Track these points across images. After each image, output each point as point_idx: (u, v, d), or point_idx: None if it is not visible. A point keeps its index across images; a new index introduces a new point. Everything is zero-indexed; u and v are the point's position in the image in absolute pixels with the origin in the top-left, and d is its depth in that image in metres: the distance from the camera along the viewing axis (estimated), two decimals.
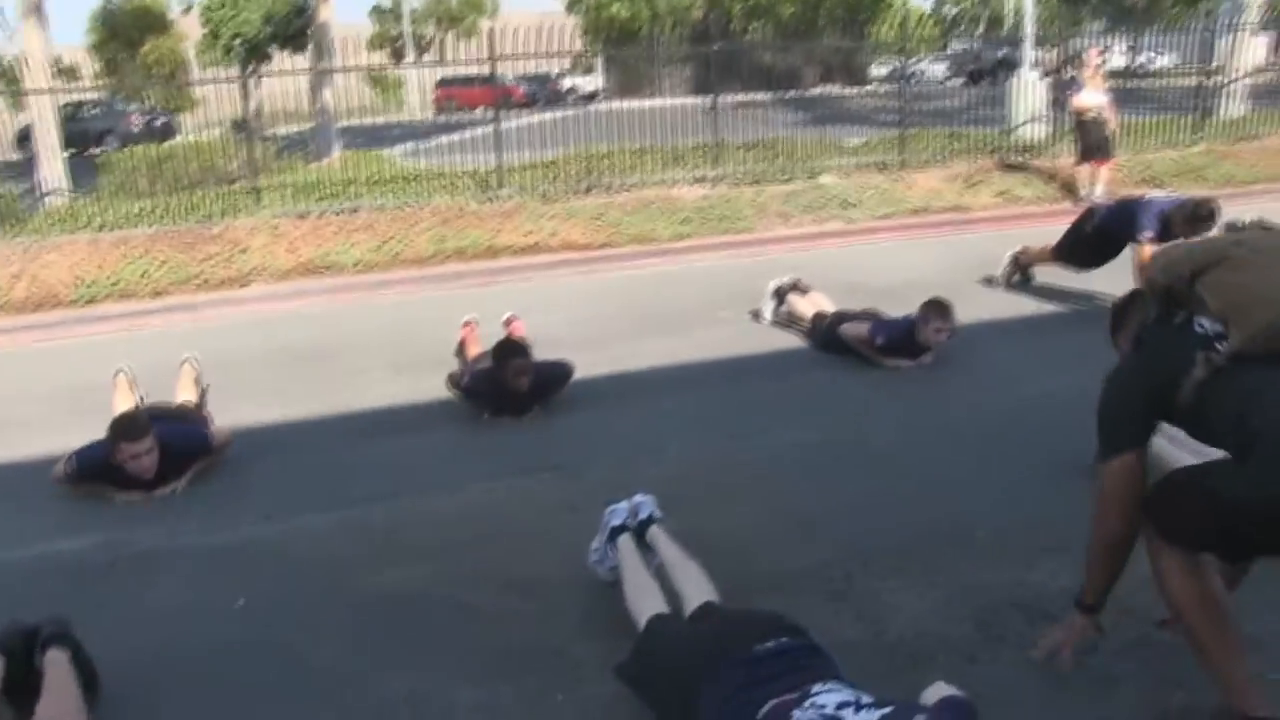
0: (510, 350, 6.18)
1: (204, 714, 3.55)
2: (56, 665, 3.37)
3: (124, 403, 6.31)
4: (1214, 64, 17.27)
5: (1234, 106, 17.52)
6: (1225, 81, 17.34)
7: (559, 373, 6.44)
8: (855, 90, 22.10)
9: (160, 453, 5.32)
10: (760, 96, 17.38)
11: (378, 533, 4.84)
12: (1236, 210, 11.51)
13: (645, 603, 3.61)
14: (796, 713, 2.72)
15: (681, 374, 7.13)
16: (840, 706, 2.71)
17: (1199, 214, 7.62)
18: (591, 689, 3.51)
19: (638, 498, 4.26)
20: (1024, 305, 8.72)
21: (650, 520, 4.15)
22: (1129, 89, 17.80)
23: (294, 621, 4.08)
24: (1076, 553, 4.13)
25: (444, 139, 16.83)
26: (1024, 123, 15.68)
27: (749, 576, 4.22)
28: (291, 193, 12.44)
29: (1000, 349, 7.45)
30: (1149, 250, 7.73)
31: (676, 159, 13.59)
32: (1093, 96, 12.86)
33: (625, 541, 4.05)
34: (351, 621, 4.06)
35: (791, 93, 18.53)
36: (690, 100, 15.42)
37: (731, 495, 5.11)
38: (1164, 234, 7.73)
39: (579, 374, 6.62)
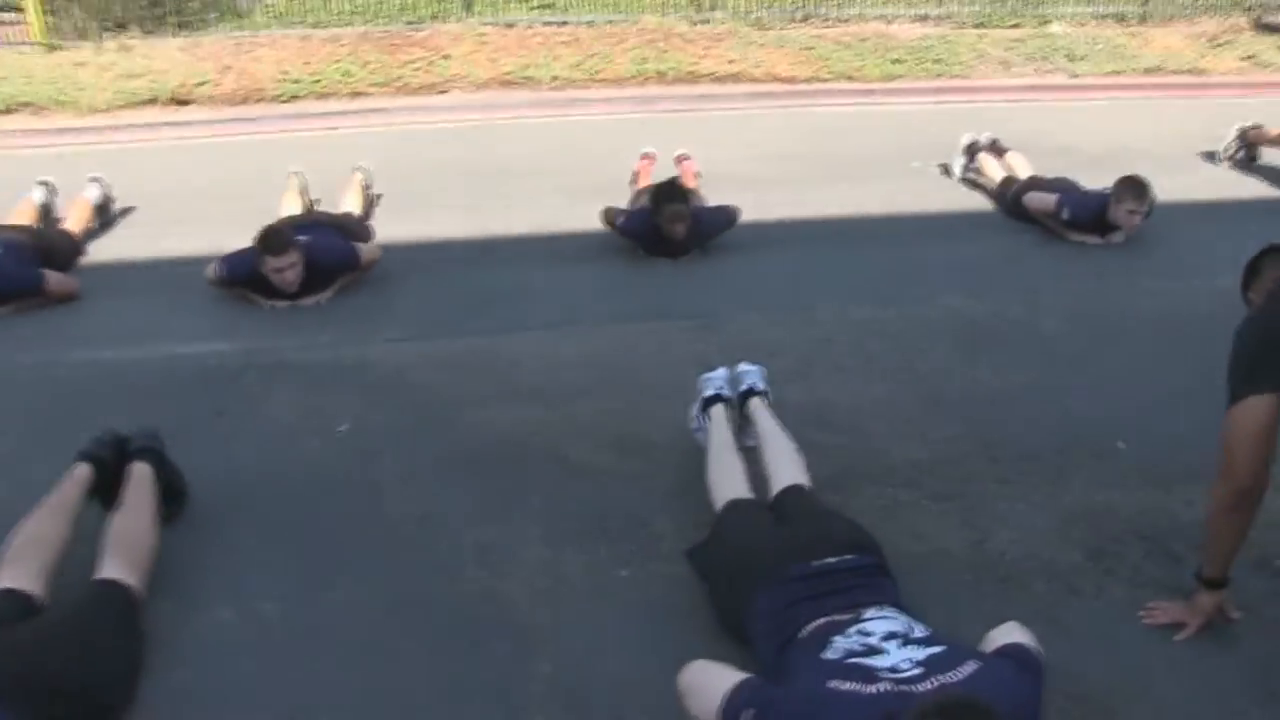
0: (668, 195, 5.96)
1: (273, 540, 3.56)
2: (138, 479, 3.42)
3: (291, 205, 6.42)
4: None
5: None
6: None
7: (720, 219, 6.19)
8: None
9: (307, 265, 5.38)
10: None
11: (499, 367, 4.79)
12: None
13: (725, 484, 3.44)
14: (839, 638, 2.55)
15: (856, 226, 6.79)
16: (887, 637, 2.52)
17: None
18: (659, 567, 3.38)
19: (742, 366, 4.08)
20: (1243, 185, 7.90)
21: (752, 391, 3.95)
22: None
23: (390, 454, 4.07)
24: None
25: None
26: None
27: (861, 462, 4.02)
28: (504, 0, 12.23)
29: (1204, 232, 6.78)
30: None
31: None
32: None
33: (718, 413, 3.88)
34: (446, 461, 4.02)
35: None
36: None
37: (871, 366, 4.84)
38: None
39: (750, 216, 6.38)
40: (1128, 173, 6.39)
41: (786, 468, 3.51)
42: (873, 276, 5.94)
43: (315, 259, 5.42)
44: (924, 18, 12.23)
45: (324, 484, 3.88)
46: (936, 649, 2.45)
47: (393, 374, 4.74)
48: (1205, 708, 2.85)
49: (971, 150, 7.65)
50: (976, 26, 12.18)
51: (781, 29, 11.79)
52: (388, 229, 6.46)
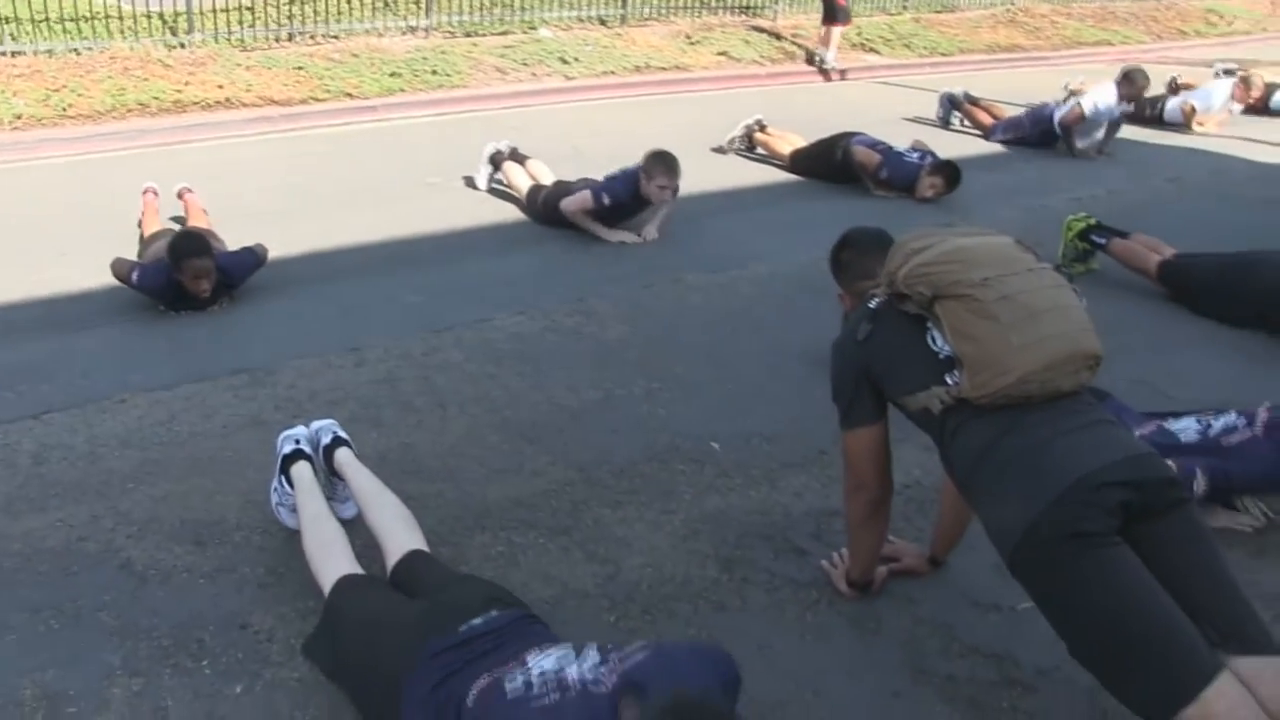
0: (189, 248, 5.30)
1: None
2: None
3: None
4: None
5: None
6: None
7: (247, 262, 5.65)
8: None
9: None
10: None
11: (20, 463, 3.99)
12: (941, 78, 11.91)
13: (329, 562, 3.06)
14: (510, 684, 2.33)
15: (387, 252, 6.44)
16: (562, 658, 2.38)
17: (944, 174, 7.83)
18: (278, 673, 2.94)
19: (316, 423, 3.68)
20: (753, 173, 8.50)
21: (336, 443, 3.57)
22: None
23: None
24: (819, 469, 3.96)
25: None
26: None
27: (464, 509, 3.75)
28: None
29: (726, 222, 7.21)
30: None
31: (386, 5, 12.49)
32: None
33: (302, 473, 3.46)
34: None
35: None
36: None
37: (443, 401, 4.56)
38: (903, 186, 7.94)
39: (274, 252, 5.88)
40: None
41: (398, 531, 3.18)
42: (417, 304, 5.66)
43: None
44: (413, 29, 12.03)
45: None
46: (592, 651, 2.37)
47: None
48: (866, 691, 2.95)
49: (495, 161, 7.57)
50: (467, 35, 12.16)
51: (267, 49, 11.15)
52: None
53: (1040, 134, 9.69)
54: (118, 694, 2.86)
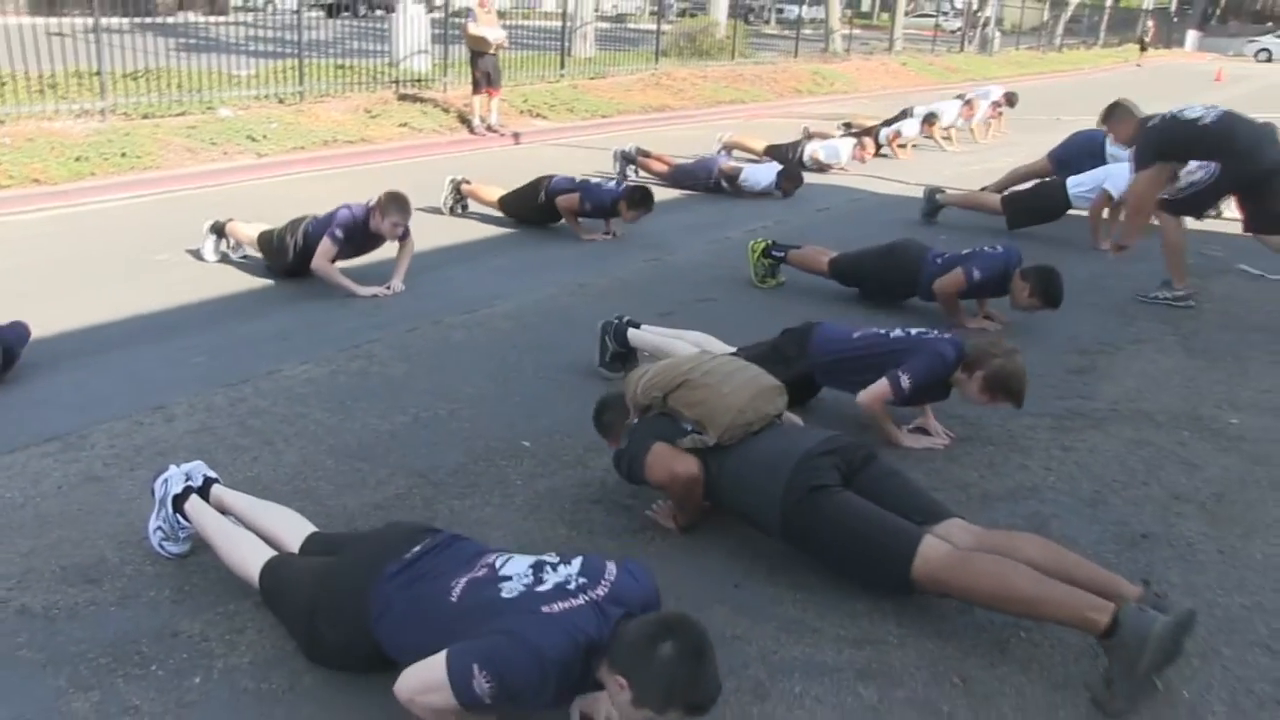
0: None
1: None
2: None
3: None
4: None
5: (586, 47, 19.55)
6: (575, 25, 19.13)
7: (23, 330, 5.69)
8: (218, 19, 21.09)
9: None
10: (115, 21, 15.95)
11: None
12: (607, 137, 13.12)
13: (251, 555, 3.46)
14: (504, 583, 2.83)
15: (148, 323, 6.56)
16: (535, 567, 2.89)
17: (635, 198, 8.69)
18: (229, 660, 3.26)
19: (185, 467, 3.92)
20: (473, 229, 9.23)
21: (210, 481, 3.90)
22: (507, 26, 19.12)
23: None
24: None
25: None
26: (410, 55, 15.95)
27: (332, 516, 4.16)
28: None
29: (465, 270, 7.94)
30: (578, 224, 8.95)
31: (52, 88, 12.16)
32: (492, 31, 13.54)
33: (195, 505, 3.76)
34: None
35: (150, 18, 17.28)
36: (27, 20, 13.85)
37: (268, 439, 4.89)
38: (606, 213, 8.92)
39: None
40: None
41: (293, 522, 3.64)
42: (203, 364, 5.85)
43: None
44: (87, 112, 11.84)
45: None
46: (574, 562, 2.91)
47: None
48: (714, 590, 3.64)
49: (216, 230, 7.85)
50: (145, 117, 12.10)
51: None
52: None
53: (713, 183, 11.40)
54: (79, 707, 3.06)
